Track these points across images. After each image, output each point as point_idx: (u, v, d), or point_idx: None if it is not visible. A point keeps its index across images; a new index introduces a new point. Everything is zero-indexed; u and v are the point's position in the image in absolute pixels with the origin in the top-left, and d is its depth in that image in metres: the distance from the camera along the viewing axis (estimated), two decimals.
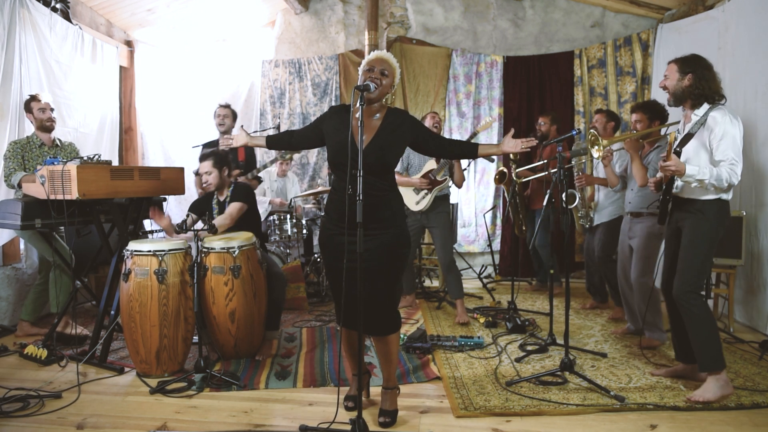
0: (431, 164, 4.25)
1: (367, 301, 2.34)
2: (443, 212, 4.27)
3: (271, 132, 5.93)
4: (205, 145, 4.83)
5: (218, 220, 3.44)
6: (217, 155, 3.58)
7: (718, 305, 4.20)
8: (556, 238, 5.14)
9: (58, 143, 3.94)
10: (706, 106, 2.69)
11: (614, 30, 5.81)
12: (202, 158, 3.62)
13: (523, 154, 5.48)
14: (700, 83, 2.66)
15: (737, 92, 4.09)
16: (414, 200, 4.25)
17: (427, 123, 4.30)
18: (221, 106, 4.72)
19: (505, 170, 4.97)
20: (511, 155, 5.15)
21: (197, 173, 4.63)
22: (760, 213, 3.93)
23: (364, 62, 2.48)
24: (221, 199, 3.66)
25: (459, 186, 4.31)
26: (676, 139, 2.74)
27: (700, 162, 2.66)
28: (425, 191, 4.21)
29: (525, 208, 5.11)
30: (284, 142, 2.77)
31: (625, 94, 5.67)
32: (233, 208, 3.50)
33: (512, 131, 2.60)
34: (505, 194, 5.46)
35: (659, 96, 5.05)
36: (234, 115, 4.75)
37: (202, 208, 3.73)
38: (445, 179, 4.22)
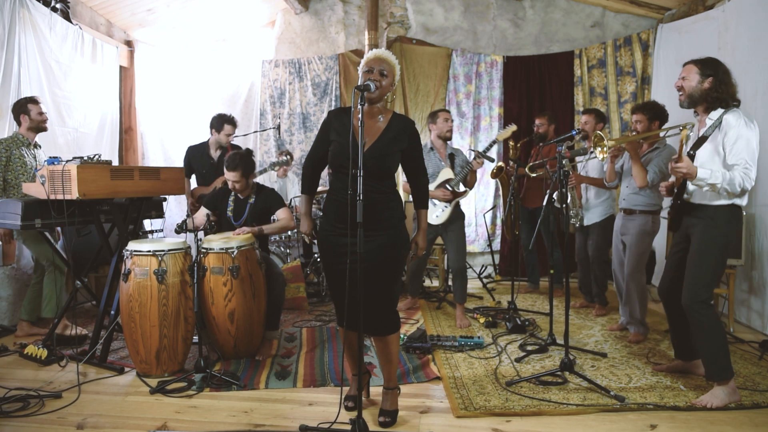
0: (447, 173, 4.03)
1: (365, 301, 2.33)
2: (459, 219, 4.13)
3: (271, 132, 5.95)
4: (193, 148, 4.87)
5: (276, 229, 3.63)
6: (243, 163, 3.55)
7: (718, 305, 4.20)
8: (556, 238, 5.13)
9: (38, 144, 3.96)
10: (720, 110, 2.64)
11: (614, 30, 5.80)
12: (231, 167, 3.54)
13: (521, 154, 5.52)
14: (719, 87, 2.60)
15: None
16: (433, 213, 4.01)
17: (440, 122, 4.07)
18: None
19: (503, 165, 4.95)
20: (510, 154, 5.17)
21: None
22: (760, 213, 3.93)
23: (362, 62, 2.45)
24: (242, 197, 3.69)
25: (471, 188, 4.18)
26: (687, 137, 2.70)
27: (713, 166, 2.60)
28: (445, 204, 4.01)
29: (519, 208, 5.09)
30: (316, 179, 2.66)
31: (625, 94, 5.66)
32: (286, 213, 3.66)
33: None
34: (501, 192, 5.44)
35: (659, 96, 5.04)
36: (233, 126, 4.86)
37: (216, 203, 3.73)
38: (465, 191, 4.06)
